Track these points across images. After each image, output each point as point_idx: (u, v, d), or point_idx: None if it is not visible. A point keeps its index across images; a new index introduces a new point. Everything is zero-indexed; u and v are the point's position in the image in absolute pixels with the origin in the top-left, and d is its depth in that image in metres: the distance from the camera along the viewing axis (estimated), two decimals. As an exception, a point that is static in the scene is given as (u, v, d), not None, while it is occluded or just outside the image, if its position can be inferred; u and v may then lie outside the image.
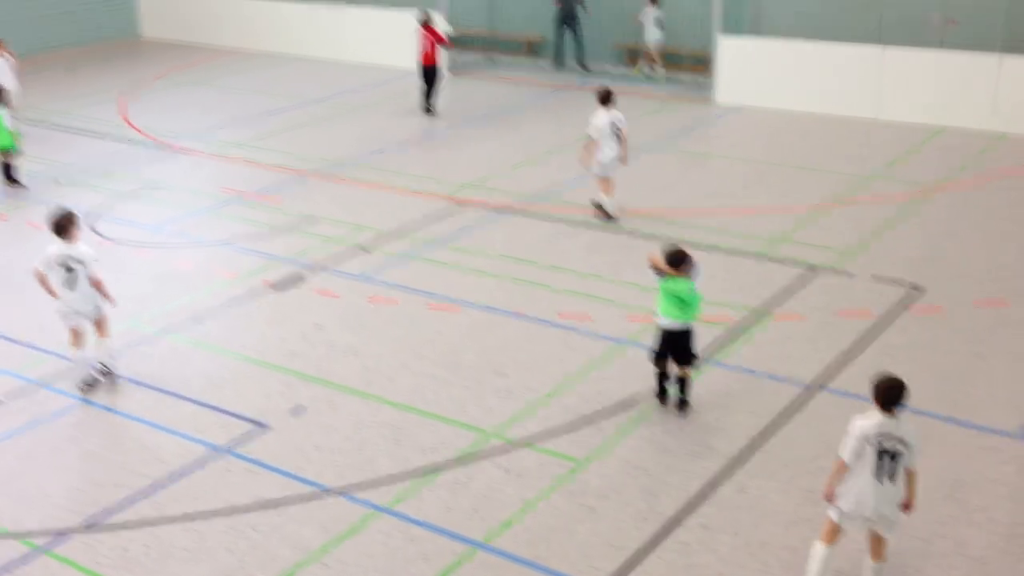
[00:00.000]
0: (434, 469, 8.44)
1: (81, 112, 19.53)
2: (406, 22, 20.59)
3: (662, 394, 9.20)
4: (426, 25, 18.76)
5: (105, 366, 9.82)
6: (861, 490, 6.67)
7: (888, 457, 6.60)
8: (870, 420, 6.63)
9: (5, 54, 17.82)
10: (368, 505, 8.01)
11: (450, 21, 21.45)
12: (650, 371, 9.24)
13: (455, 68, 22.06)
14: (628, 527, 7.72)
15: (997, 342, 10.34)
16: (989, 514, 7.81)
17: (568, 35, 21.88)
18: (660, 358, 9.06)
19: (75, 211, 9.85)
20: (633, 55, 21.88)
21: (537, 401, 9.40)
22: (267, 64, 23.35)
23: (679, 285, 8.80)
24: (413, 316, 11.08)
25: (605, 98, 13.33)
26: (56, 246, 9.48)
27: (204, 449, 8.75)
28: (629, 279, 11.64)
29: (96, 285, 9.53)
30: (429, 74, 18.83)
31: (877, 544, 6.96)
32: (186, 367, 10.13)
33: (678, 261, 8.82)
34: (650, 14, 20.95)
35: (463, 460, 8.56)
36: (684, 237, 12.71)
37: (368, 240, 13.10)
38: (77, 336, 9.63)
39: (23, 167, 15.55)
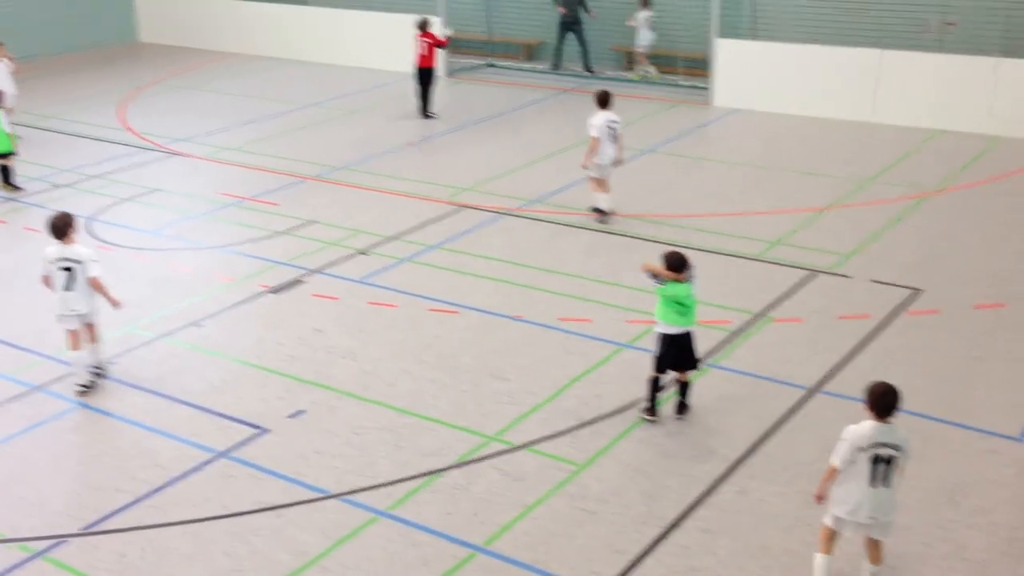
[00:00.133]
0: (434, 473, 8.42)
1: (79, 116, 19.51)
2: (404, 25, 20.58)
3: (652, 410, 9.06)
4: (424, 30, 18.77)
5: (98, 368, 9.81)
6: (857, 497, 6.67)
7: (883, 463, 6.60)
8: (863, 428, 6.61)
9: (3, 58, 17.81)
10: (368, 509, 7.99)
11: (449, 25, 21.47)
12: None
13: (453, 72, 22.08)
14: (628, 530, 7.70)
15: (996, 344, 10.34)
16: (989, 517, 7.80)
17: (573, 40, 21.90)
18: (663, 366, 9.01)
19: (72, 214, 9.86)
20: (631, 58, 21.91)
21: (536, 404, 9.39)
22: (265, 68, 23.35)
23: (679, 289, 8.79)
24: (412, 320, 11.06)
25: (603, 100, 13.43)
26: (54, 248, 9.51)
27: (203, 453, 8.73)
28: (628, 282, 11.63)
29: (95, 286, 9.53)
30: (425, 76, 18.83)
31: (874, 548, 6.99)
32: (184, 371, 10.11)
33: (679, 265, 8.79)
34: (641, 16, 20.99)
35: (463, 464, 8.54)
36: (683, 240, 12.72)
37: (366, 244, 13.09)
38: (75, 338, 9.61)
39: (18, 170, 15.54)
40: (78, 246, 9.60)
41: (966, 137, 17.17)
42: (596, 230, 13.43)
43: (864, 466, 6.60)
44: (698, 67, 20.52)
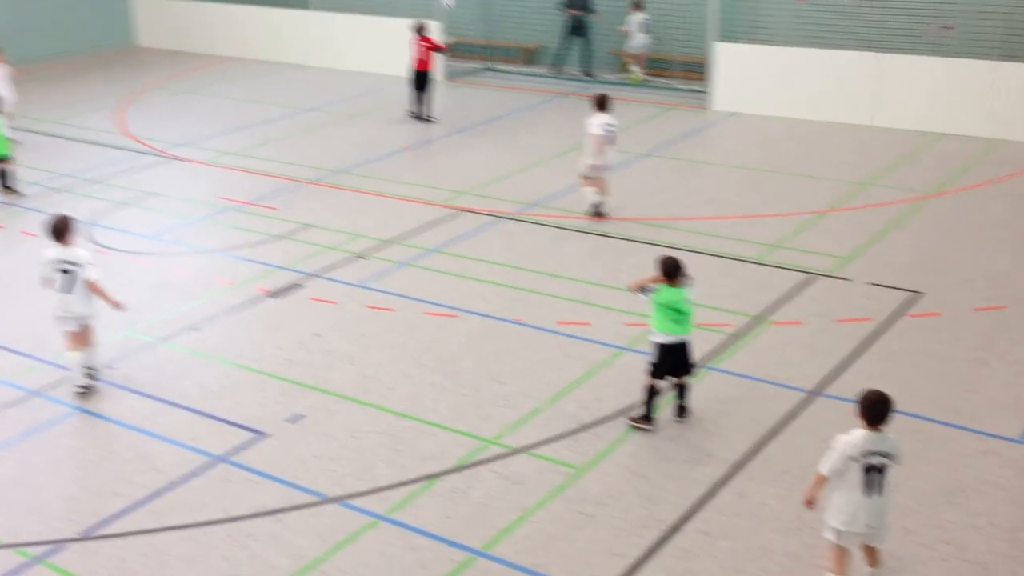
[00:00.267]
0: (432, 477, 8.40)
1: (78, 120, 19.51)
2: (402, 30, 20.57)
3: (648, 417, 9.00)
4: (421, 34, 18.77)
5: (91, 370, 9.80)
6: (853, 507, 6.65)
7: (876, 472, 6.58)
8: (854, 438, 6.57)
9: (1, 63, 17.82)
10: (366, 513, 7.97)
11: (448, 29, 21.47)
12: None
13: (452, 76, 22.09)
14: (627, 534, 7.68)
15: (996, 347, 10.33)
16: (990, 518, 7.79)
17: (579, 43, 21.88)
18: (659, 373, 8.96)
19: (71, 216, 9.86)
20: (625, 61, 21.91)
21: (536, 408, 9.37)
22: (263, 72, 23.35)
23: (675, 295, 8.73)
24: (411, 323, 11.05)
25: (602, 103, 13.51)
26: (53, 250, 9.52)
27: (201, 458, 8.71)
28: (627, 285, 11.59)
29: (94, 289, 9.52)
30: (421, 80, 18.81)
31: (871, 553, 6.99)
32: (183, 375, 10.09)
33: (674, 270, 8.74)
34: (635, 20, 20.99)
35: (462, 468, 8.53)
36: (681, 243, 12.71)
37: (365, 248, 13.08)
38: (73, 341, 9.60)
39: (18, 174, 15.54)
40: (77, 249, 9.61)
41: (965, 140, 17.18)
42: (595, 234, 13.42)
43: (857, 476, 6.57)
44: (696, 71, 20.51)
